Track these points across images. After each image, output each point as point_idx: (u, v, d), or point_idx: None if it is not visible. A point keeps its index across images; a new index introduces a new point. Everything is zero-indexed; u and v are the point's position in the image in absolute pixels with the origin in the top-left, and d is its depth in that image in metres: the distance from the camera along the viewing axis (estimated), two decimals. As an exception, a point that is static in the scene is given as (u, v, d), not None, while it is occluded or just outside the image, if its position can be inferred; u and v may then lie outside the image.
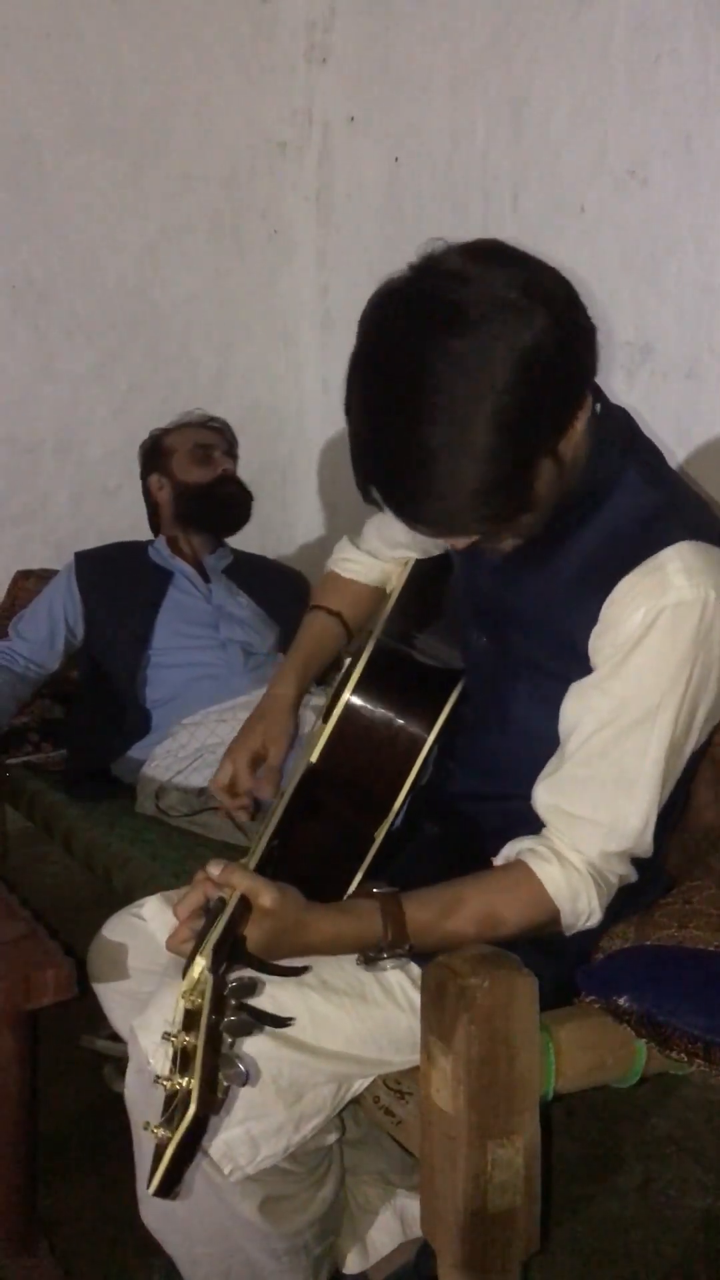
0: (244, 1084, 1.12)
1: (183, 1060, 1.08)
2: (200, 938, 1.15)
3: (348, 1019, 1.29)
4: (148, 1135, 1.08)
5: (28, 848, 2.74)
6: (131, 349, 3.11)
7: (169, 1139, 1.05)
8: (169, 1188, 1.08)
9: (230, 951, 1.13)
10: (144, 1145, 1.35)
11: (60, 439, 3.06)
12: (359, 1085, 1.35)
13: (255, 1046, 1.25)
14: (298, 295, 3.30)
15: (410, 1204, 1.57)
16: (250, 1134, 1.25)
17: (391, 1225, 1.59)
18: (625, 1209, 1.80)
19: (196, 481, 2.60)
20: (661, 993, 1.30)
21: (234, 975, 1.12)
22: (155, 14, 2.99)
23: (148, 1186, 1.08)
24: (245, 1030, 1.10)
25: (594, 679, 1.27)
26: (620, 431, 1.33)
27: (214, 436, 2.68)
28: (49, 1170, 1.81)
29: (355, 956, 1.31)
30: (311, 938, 1.22)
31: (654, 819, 1.28)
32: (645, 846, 1.30)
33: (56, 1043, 2.01)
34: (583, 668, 1.29)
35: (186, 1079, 1.06)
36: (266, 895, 1.18)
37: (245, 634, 2.51)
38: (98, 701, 2.47)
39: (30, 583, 2.78)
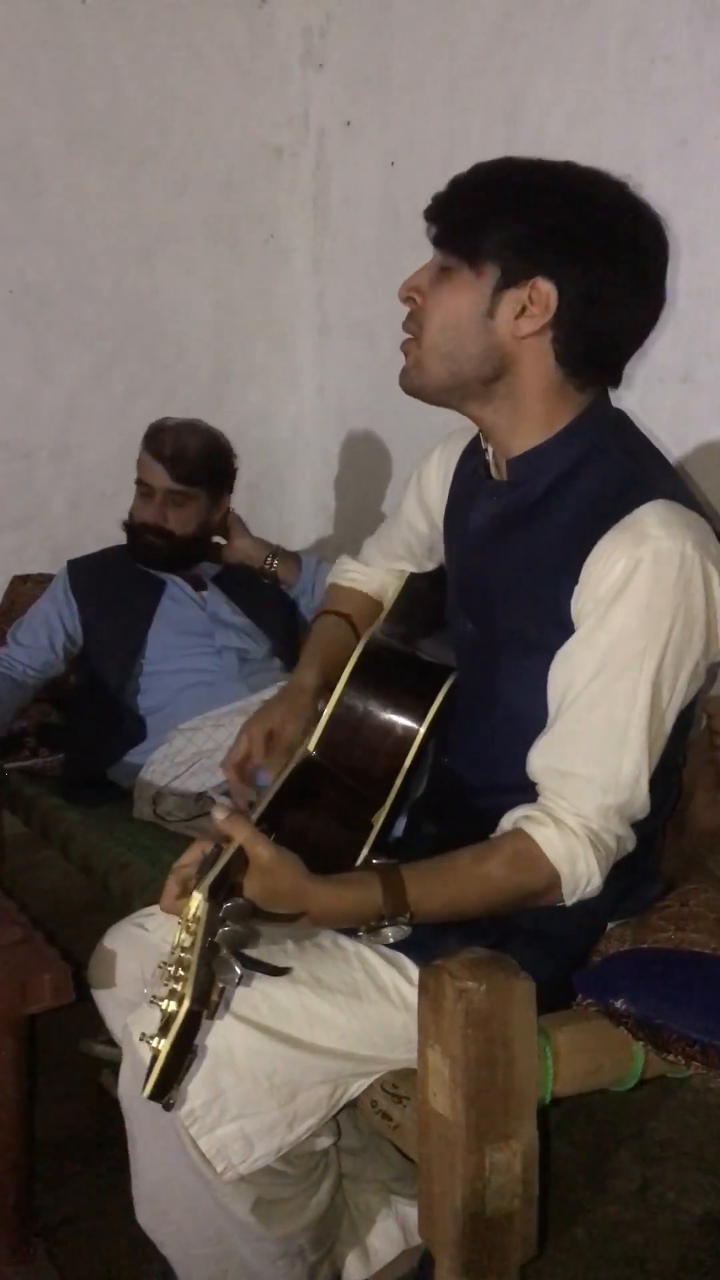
0: (238, 985, 1.13)
1: (179, 972, 1.09)
2: (198, 878, 1.16)
3: (342, 1016, 1.29)
4: (143, 1046, 1.11)
5: (25, 853, 2.74)
6: (128, 354, 3.11)
7: (164, 1042, 1.07)
8: (163, 1091, 1.09)
9: (227, 894, 1.14)
10: (139, 1148, 1.35)
11: (57, 444, 3.06)
12: (355, 1088, 1.35)
13: (249, 1043, 1.25)
14: (294, 300, 3.31)
15: (412, 1211, 1.56)
16: (243, 1131, 1.26)
17: (393, 1232, 1.59)
18: (624, 1212, 1.79)
19: (132, 518, 2.55)
20: (659, 996, 1.30)
21: (228, 910, 1.12)
22: (151, 20, 3.00)
23: (142, 1090, 1.09)
24: (241, 941, 1.11)
25: (578, 636, 1.29)
26: (605, 418, 1.37)
27: (155, 472, 2.47)
28: (46, 1174, 1.81)
29: (352, 951, 1.32)
30: (310, 905, 1.22)
31: (647, 772, 1.28)
32: (641, 802, 1.29)
33: (55, 1047, 2.01)
34: (565, 634, 1.30)
35: (181, 984, 1.08)
36: (264, 851, 1.19)
37: (240, 640, 2.50)
38: (94, 707, 2.47)
39: (27, 587, 2.78)
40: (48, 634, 2.52)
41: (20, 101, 2.87)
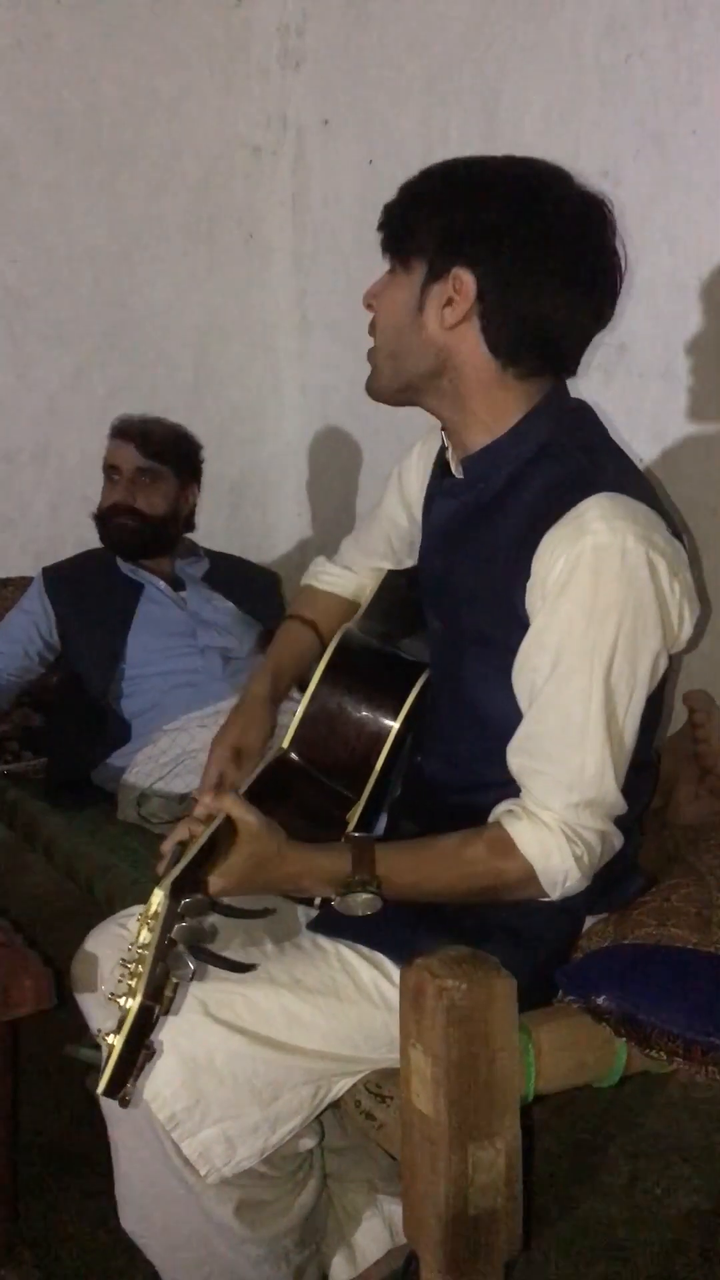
0: (192, 980, 1.15)
1: (137, 969, 1.11)
2: (162, 875, 1.18)
3: (322, 1017, 1.29)
4: (100, 1040, 1.13)
5: (8, 857, 2.72)
6: (109, 355, 3.10)
7: (117, 1038, 1.08)
8: (117, 1087, 1.11)
9: (190, 889, 1.16)
10: (122, 1152, 1.35)
11: (38, 446, 3.05)
12: (338, 1088, 1.35)
13: (229, 1046, 1.25)
14: (275, 299, 3.30)
15: (398, 1210, 1.56)
16: (226, 1134, 1.25)
17: (379, 1232, 1.58)
18: (611, 1208, 1.79)
19: (100, 507, 2.56)
20: (641, 991, 1.30)
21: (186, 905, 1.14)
22: (128, 20, 2.99)
23: (97, 1087, 1.11)
24: (198, 937, 1.13)
25: (530, 635, 1.29)
26: (560, 411, 1.38)
27: (122, 453, 2.52)
28: (30, 1179, 1.80)
29: (331, 951, 1.32)
30: (288, 867, 1.28)
31: (611, 767, 1.27)
32: (613, 798, 1.29)
33: (38, 1053, 2.00)
34: (524, 632, 1.30)
35: (136, 980, 1.09)
36: (252, 818, 1.25)
37: (224, 639, 2.50)
38: (77, 711, 2.46)
39: (8, 590, 2.77)
40: (24, 642, 2.51)
41: (-4, 103, 2.86)
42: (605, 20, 2.21)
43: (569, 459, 1.32)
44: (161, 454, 2.53)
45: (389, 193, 1.38)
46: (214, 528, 3.01)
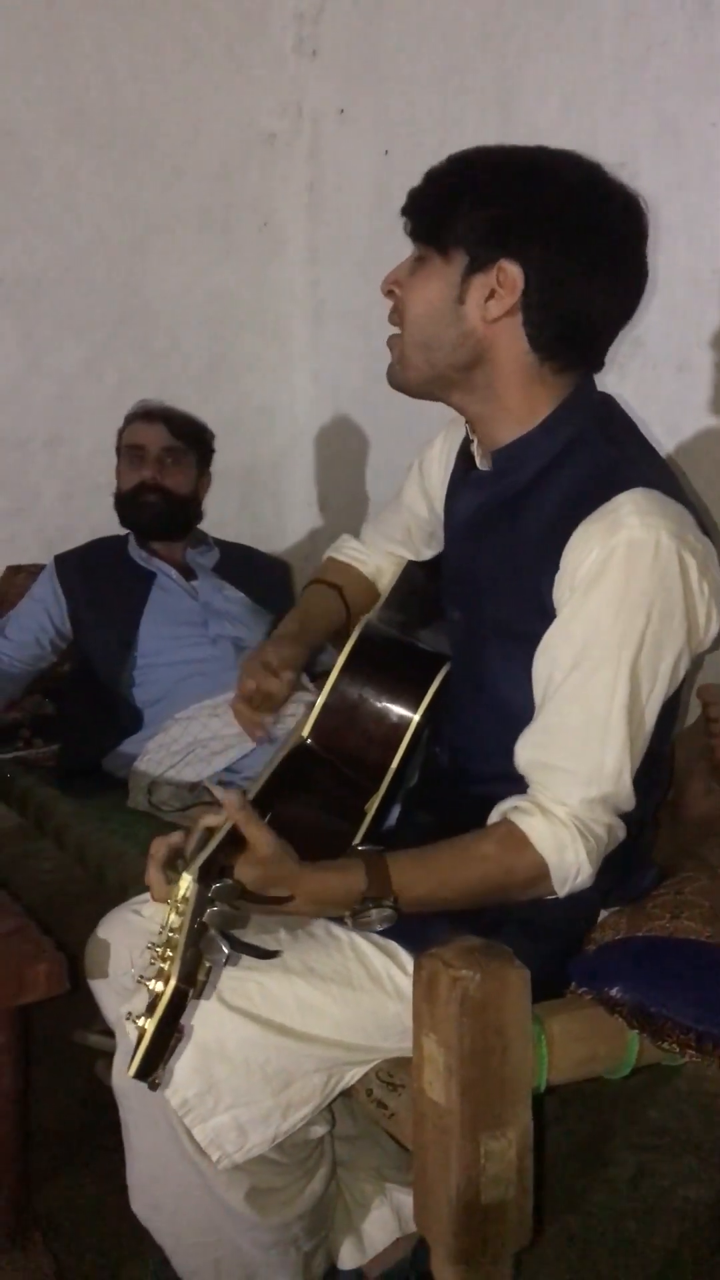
0: (225, 964, 1.14)
1: (167, 952, 1.10)
2: (189, 860, 1.17)
3: (335, 1005, 1.29)
4: (130, 1026, 1.12)
5: (20, 843, 2.74)
6: (121, 344, 3.10)
7: (149, 1022, 1.08)
8: (148, 1071, 1.10)
9: (217, 875, 1.15)
10: (134, 1137, 1.35)
11: (50, 434, 3.05)
12: (350, 1076, 1.35)
13: (242, 1032, 1.25)
14: (288, 289, 3.30)
15: (406, 1199, 1.56)
16: (238, 1121, 1.26)
17: (387, 1220, 1.59)
18: (618, 1200, 1.80)
19: (122, 488, 2.56)
20: (654, 984, 1.30)
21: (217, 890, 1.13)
22: (143, 7, 2.98)
23: (127, 1070, 1.10)
24: (230, 922, 1.12)
25: (556, 626, 1.28)
26: (589, 404, 1.37)
27: (149, 433, 2.54)
28: (41, 1164, 1.81)
29: (345, 940, 1.33)
30: (298, 890, 1.24)
31: (629, 764, 1.28)
32: (626, 794, 1.29)
33: (49, 1038, 2.01)
34: (549, 624, 1.30)
35: (168, 964, 1.09)
36: (264, 842, 1.21)
37: (235, 629, 2.50)
38: (88, 698, 2.47)
39: (20, 578, 2.77)
40: (35, 630, 2.51)
41: (12, 90, 2.85)
42: (623, 11, 2.20)
43: (600, 453, 1.32)
44: (186, 434, 2.57)
45: (405, 182, 1.37)
46: (225, 517, 3.01)
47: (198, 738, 2.28)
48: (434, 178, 1.35)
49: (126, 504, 2.55)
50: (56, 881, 2.66)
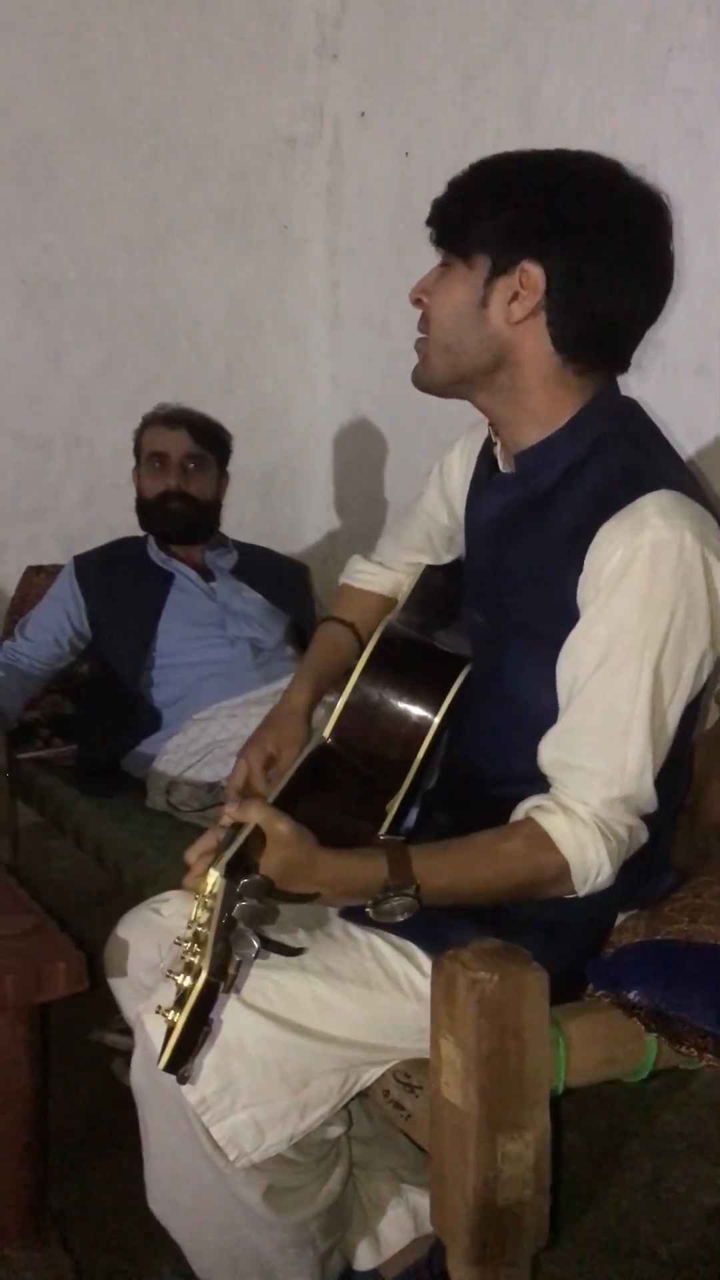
0: (255, 959, 1.15)
1: (195, 946, 1.11)
2: (215, 856, 1.18)
3: (353, 1005, 1.30)
4: (159, 1018, 1.13)
5: (38, 842, 2.75)
6: (141, 345, 3.11)
7: (180, 1014, 1.09)
8: (179, 1063, 1.11)
9: (244, 871, 1.16)
10: (152, 1135, 1.36)
11: (70, 435, 3.07)
12: (367, 1077, 1.35)
13: (260, 1032, 1.26)
14: (308, 291, 3.30)
15: (422, 1200, 1.57)
16: (255, 1119, 1.26)
17: (404, 1221, 1.59)
18: (634, 1204, 1.79)
19: (145, 495, 2.57)
20: (672, 987, 1.29)
21: (245, 885, 1.14)
22: (165, 9, 3.00)
23: (158, 1063, 1.11)
24: (258, 916, 1.13)
25: (580, 627, 1.29)
26: (613, 407, 1.37)
27: (171, 439, 2.54)
28: (59, 1162, 1.81)
29: (363, 940, 1.33)
30: (320, 875, 1.25)
31: (651, 765, 1.28)
32: (647, 795, 1.29)
33: (67, 1036, 2.02)
34: (573, 625, 1.30)
35: (198, 957, 1.10)
36: (283, 826, 1.22)
37: (253, 630, 2.50)
38: (107, 698, 2.48)
39: (41, 578, 2.79)
40: (54, 630, 2.52)
41: (33, 92, 2.87)
42: (645, 13, 2.20)
43: (624, 455, 1.32)
44: (207, 440, 2.57)
45: (425, 185, 1.37)
46: (243, 519, 3.01)
47: (216, 738, 2.29)
48: (456, 185, 1.36)
49: (151, 511, 2.56)
50: (75, 880, 2.67)
